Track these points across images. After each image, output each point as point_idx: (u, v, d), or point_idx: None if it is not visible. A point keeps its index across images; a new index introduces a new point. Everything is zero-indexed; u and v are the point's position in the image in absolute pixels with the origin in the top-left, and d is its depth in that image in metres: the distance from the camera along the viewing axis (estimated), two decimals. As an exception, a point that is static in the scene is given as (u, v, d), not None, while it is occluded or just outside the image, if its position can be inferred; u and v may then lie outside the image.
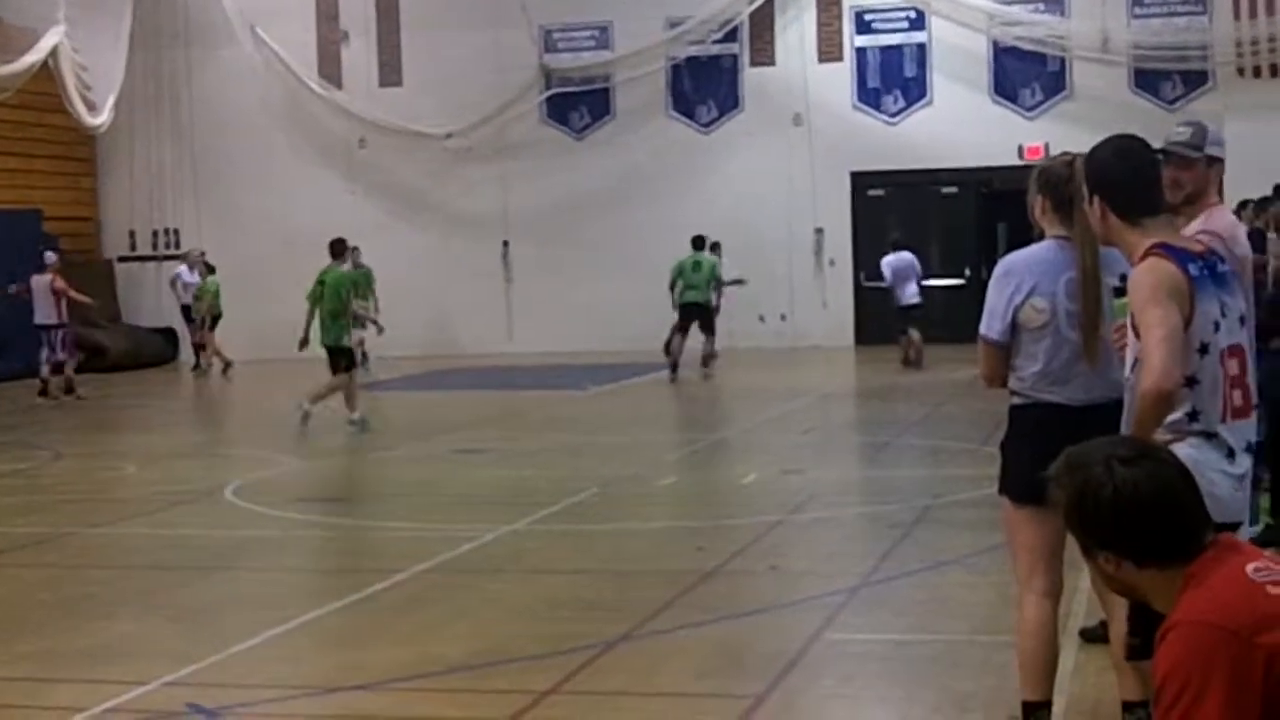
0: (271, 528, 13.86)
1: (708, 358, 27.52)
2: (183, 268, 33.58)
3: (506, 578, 11.54)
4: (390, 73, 35.55)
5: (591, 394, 25.34)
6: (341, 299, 21.23)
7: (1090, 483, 4.08)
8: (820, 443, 19.07)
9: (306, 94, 35.58)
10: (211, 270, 32.58)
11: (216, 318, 32.44)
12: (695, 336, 27.05)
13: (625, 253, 33.00)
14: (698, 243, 27.80)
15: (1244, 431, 5.62)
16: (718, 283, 27.89)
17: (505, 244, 34.88)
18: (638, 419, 22.21)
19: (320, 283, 21.59)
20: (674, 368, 26.77)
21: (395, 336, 31.77)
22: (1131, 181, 5.79)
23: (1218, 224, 7.06)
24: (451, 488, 16.01)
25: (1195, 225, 7.01)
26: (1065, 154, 6.83)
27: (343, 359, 21.11)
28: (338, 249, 22.35)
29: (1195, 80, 31.86)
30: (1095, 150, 5.95)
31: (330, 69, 35.81)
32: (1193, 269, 5.52)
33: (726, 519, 13.52)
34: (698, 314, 27.33)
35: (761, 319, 32.66)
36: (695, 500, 14.91)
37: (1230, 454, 5.49)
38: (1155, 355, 5.36)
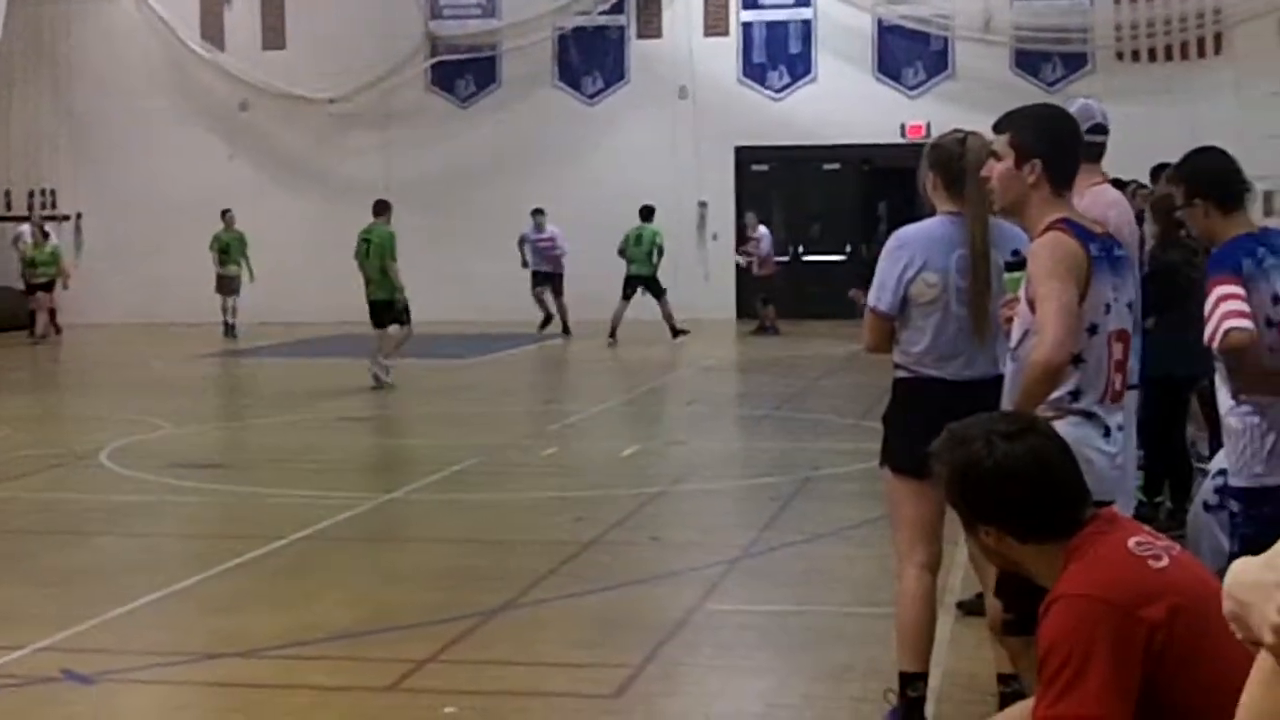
0: (148, 493, 13.72)
1: (672, 329, 28.32)
2: (25, 228, 32.73)
3: (386, 546, 11.51)
4: (274, 36, 35.23)
5: (473, 363, 25.29)
6: (384, 256, 21.59)
7: (971, 457, 4.14)
8: (701, 415, 19.13)
9: (188, 55, 35.21)
10: (46, 236, 31.82)
11: (50, 283, 31.50)
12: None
13: (509, 223, 32.87)
14: (645, 213, 29.00)
15: (1118, 413, 5.70)
16: (659, 252, 28.83)
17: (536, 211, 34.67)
18: (519, 389, 22.21)
19: (366, 240, 21.88)
20: (611, 333, 27.97)
21: (277, 303, 31.58)
22: (1070, 153, 5.78)
23: (1094, 209, 6.88)
24: (332, 455, 15.93)
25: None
26: (956, 131, 6.88)
27: (392, 313, 21.45)
28: (380, 208, 22.64)
29: (1075, 63, 32.21)
30: (1031, 118, 5.80)
31: (213, 30, 35.44)
32: (1093, 248, 5.55)
33: (607, 489, 13.54)
34: (638, 285, 28.58)
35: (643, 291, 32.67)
36: (576, 471, 14.92)
37: (1106, 432, 5.56)
38: (1049, 328, 5.40)
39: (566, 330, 29.15)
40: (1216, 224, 6.43)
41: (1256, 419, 6.21)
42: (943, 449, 4.26)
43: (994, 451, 4.10)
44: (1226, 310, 6.00)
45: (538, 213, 30.03)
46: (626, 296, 28.54)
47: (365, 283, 21.74)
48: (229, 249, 31.23)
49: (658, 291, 28.77)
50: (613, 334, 27.95)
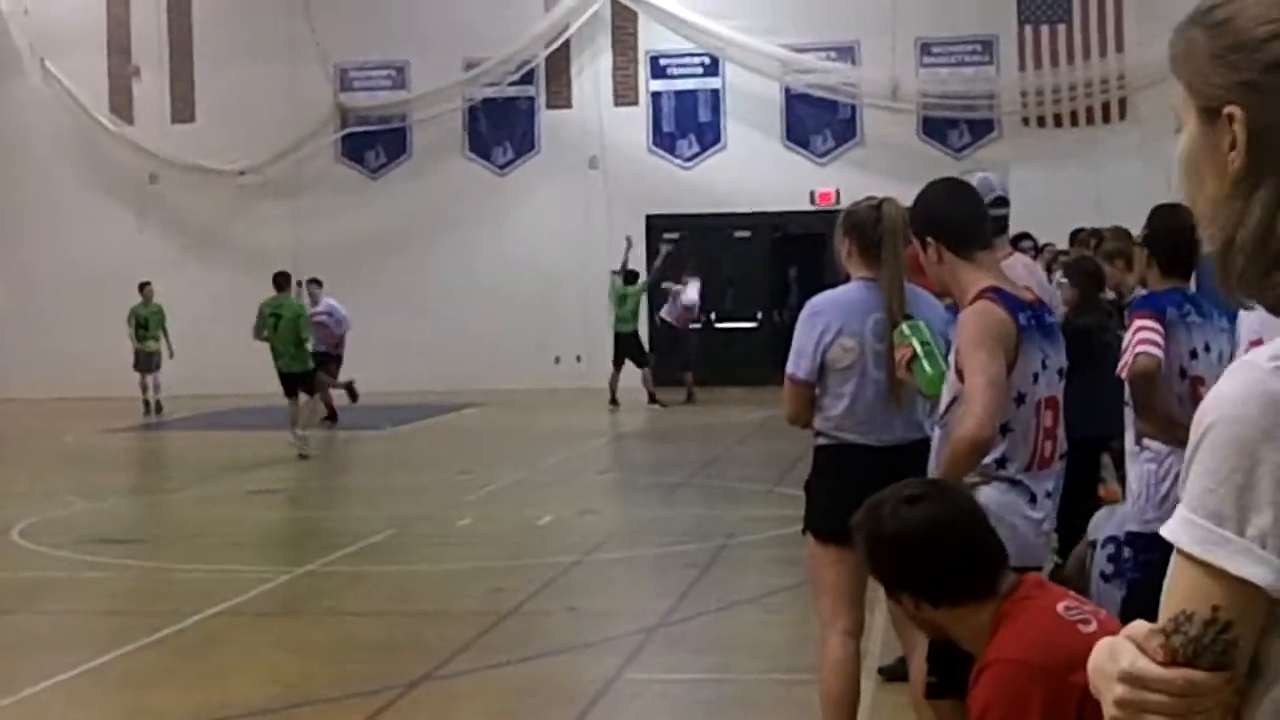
0: (60, 569, 13.58)
1: (650, 394, 28.53)
2: None
3: (302, 620, 11.44)
4: (183, 108, 35.11)
5: (388, 434, 25.20)
6: (300, 328, 21.88)
7: (876, 526, 4.18)
8: (616, 483, 19.14)
9: (97, 128, 35.03)
10: None
11: None
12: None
13: (422, 293, 32.89)
14: (628, 277, 29.54)
15: (1047, 480, 5.74)
16: (652, 293, 29.57)
17: (299, 283, 34.54)
18: (434, 459, 22.13)
19: (275, 315, 21.91)
20: (611, 399, 28.27)
21: (188, 375, 31.34)
22: (961, 216, 5.86)
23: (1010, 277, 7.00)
24: (246, 528, 15.83)
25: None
26: (870, 198, 6.95)
27: (309, 383, 21.69)
28: (284, 281, 22.85)
29: (982, 129, 32.55)
30: (920, 197, 6.01)
31: (122, 103, 35.29)
32: (1022, 318, 5.61)
33: (524, 559, 13.51)
34: (623, 344, 28.80)
35: (556, 360, 32.69)
36: (492, 541, 14.88)
37: (1033, 499, 5.60)
38: (977, 402, 5.45)
39: (332, 416, 26.60)
40: (1153, 276, 6.68)
41: (1154, 466, 6.34)
42: (859, 517, 4.30)
43: (894, 518, 4.14)
44: (1140, 339, 6.20)
45: (313, 283, 28.36)
46: (618, 363, 28.73)
47: (275, 355, 21.73)
48: (147, 324, 30.21)
49: (639, 357, 28.94)
50: (612, 400, 28.26)
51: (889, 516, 4.15)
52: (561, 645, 10.31)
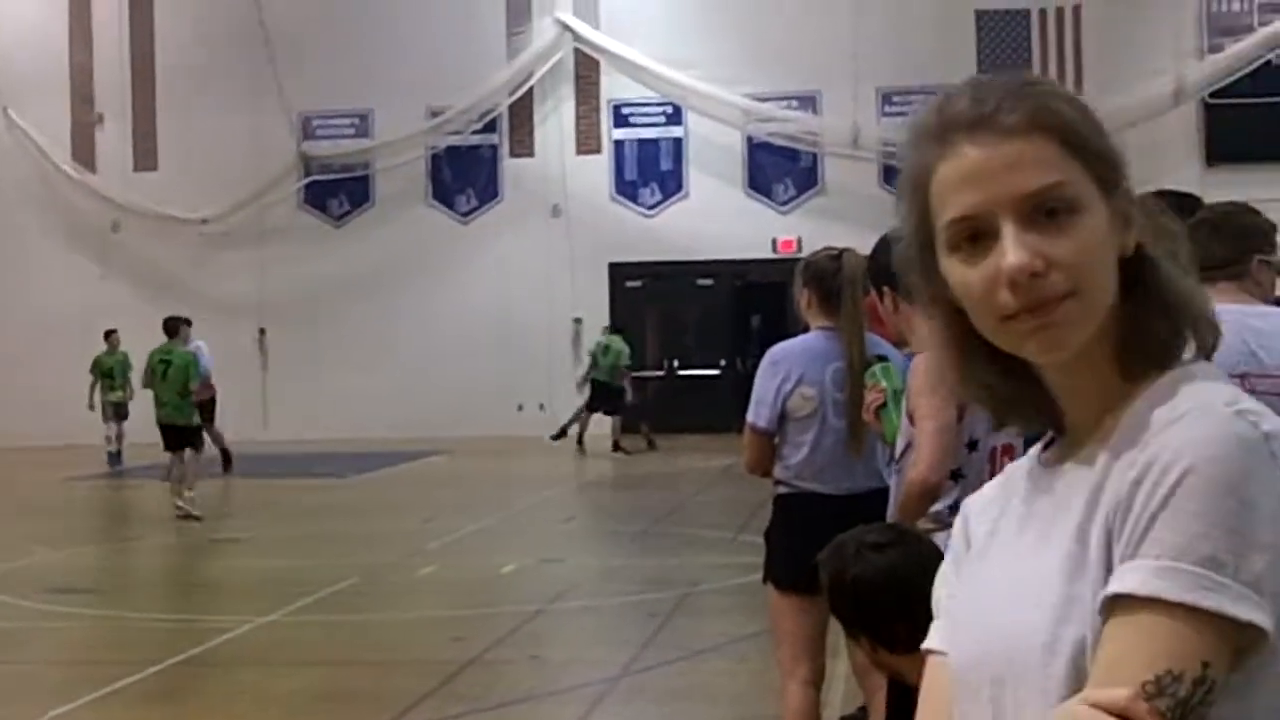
0: (20, 619, 13.52)
1: (614, 442, 28.94)
2: None
3: (263, 669, 11.40)
4: (146, 156, 35.13)
5: (350, 482, 25.16)
6: (189, 377, 21.20)
7: (839, 569, 4.21)
8: (579, 531, 19.14)
9: (59, 176, 35.01)
10: None
11: None
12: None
13: (385, 341, 32.92)
14: (612, 327, 30.21)
15: None
16: (627, 367, 29.56)
17: (262, 331, 34.57)
18: (397, 507, 22.08)
19: (165, 362, 21.30)
20: (578, 441, 28.89)
21: (149, 423, 31.23)
22: None
23: None
24: (206, 577, 15.78)
25: None
26: (829, 249, 7.00)
27: (192, 437, 20.96)
28: (174, 327, 22.27)
29: (943, 177, 32.71)
30: (879, 248, 6.04)
31: (84, 152, 35.29)
32: None
33: (486, 608, 13.50)
34: (605, 393, 29.15)
35: (520, 407, 32.71)
36: (455, 589, 14.86)
37: (989, 546, 5.63)
38: (926, 447, 5.50)
39: (228, 461, 26.38)
40: None
41: None
42: (823, 559, 4.34)
43: (859, 563, 4.18)
44: None
45: (184, 323, 26.09)
46: (591, 407, 29.06)
47: (157, 404, 21.20)
48: (113, 373, 29.10)
49: (612, 408, 29.20)
50: (580, 442, 28.65)
51: (853, 559, 4.18)
52: (524, 694, 10.31)
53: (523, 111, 33.98)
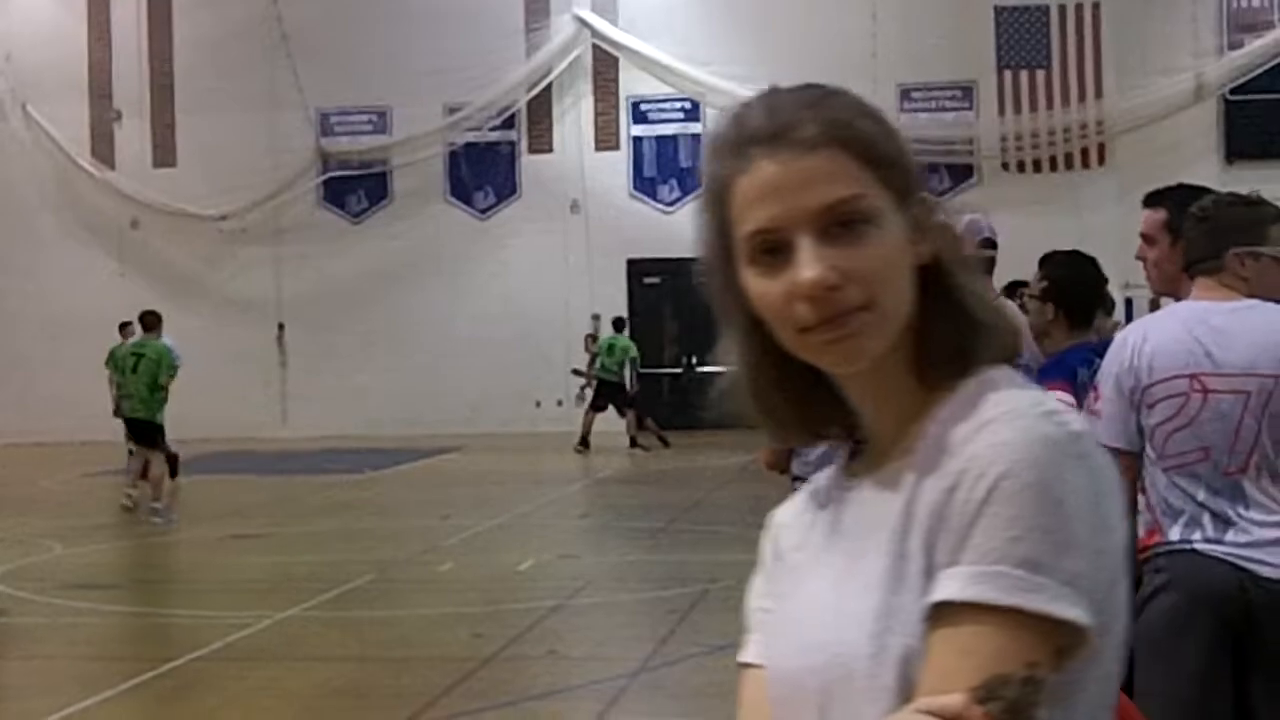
0: (38, 614, 13.54)
1: (631, 439, 28.91)
2: None
3: (281, 665, 11.41)
4: (164, 153, 35.18)
5: (367, 478, 25.18)
6: (160, 371, 20.87)
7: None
8: (597, 527, 19.13)
9: (77, 173, 35.07)
10: None
11: None
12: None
13: (403, 337, 32.93)
14: (617, 325, 30.14)
15: None
16: (631, 363, 29.47)
17: (280, 327, 34.61)
18: (414, 503, 22.10)
19: (137, 355, 21.01)
20: (582, 440, 28.53)
21: (168, 419, 31.27)
22: None
23: None
24: (225, 574, 15.79)
25: None
26: None
27: (157, 435, 20.62)
28: (152, 321, 21.83)
29: (961, 174, 32.69)
30: None
31: (103, 148, 35.35)
32: None
33: (504, 604, 13.49)
34: (610, 391, 29.07)
35: (538, 404, 32.72)
36: (472, 585, 14.86)
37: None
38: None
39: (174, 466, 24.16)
40: (1058, 330, 6.52)
41: None
42: None
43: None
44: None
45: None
46: (597, 407, 28.92)
47: (123, 398, 20.92)
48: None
49: (627, 401, 29.22)
50: (583, 441, 28.40)
51: None
52: (543, 690, 10.30)
53: (541, 108, 33.98)
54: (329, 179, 34.73)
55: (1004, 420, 1.84)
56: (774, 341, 1.96)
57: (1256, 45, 31.83)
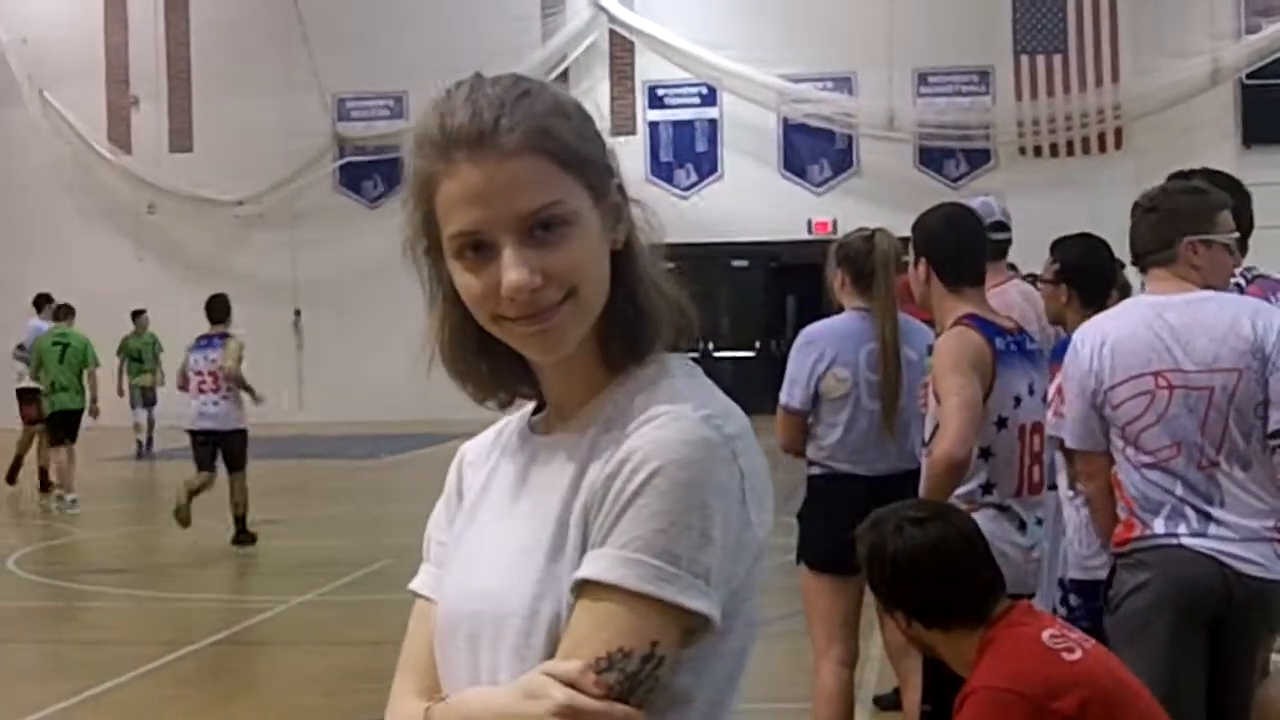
0: (57, 598, 13.59)
1: None
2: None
3: (299, 649, 11.44)
4: (181, 138, 35.20)
5: (384, 463, 25.20)
6: (86, 360, 20.57)
7: (879, 542, 4.20)
8: (613, 513, 19.10)
9: (95, 158, 35.11)
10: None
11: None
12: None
13: (420, 323, 32.84)
14: None
15: (1037, 507, 5.74)
16: None
17: (297, 312, 34.64)
18: (431, 488, 21.94)
19: (61, 344, 20.55)
20: None
21: (185, 404, 31.32)
22: (960, 251, 5.85)
23: (1007, 308, 6.78)
24: (242, 558, 15.82)
25: None
26: (863, 229, 6.97)
27: (75, 425, 20.28)
28: (65, 310, 21.68)
29: (978, 158, 32.64)
30: (927, 216, 5.99)
31: (120, 133, 35.38)
32: (999, 343, 5.63)
33: (521, 589, 13.47)
34: None
35: (554, 389, 32.76)
36: (489, 570, 14.83)
37: (1022, 526, 5.60)
38: (950, 423, 5.48)
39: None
40: (1072, 313, 6.51)
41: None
42: (862, 533, 4.32)
43: (899, 537, 4.16)
44: None
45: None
46: None
47: (52, 390, 20.24)
48: (141, 356, 27.85)
49: None
50: None
51: (893, 534, 4.18)
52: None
53: (557, 93, 33.93)
54: (345, 164, 34.74)
55: (668, 419, 1.99)
56: (474, 319, 2.11)
57: (1274, 28, 31.70)
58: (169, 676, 10.44)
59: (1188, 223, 5.36)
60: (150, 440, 27.64)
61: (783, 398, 6.83)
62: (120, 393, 27.30)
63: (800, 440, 6.84)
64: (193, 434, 16.39)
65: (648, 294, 2.14)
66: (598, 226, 2.08)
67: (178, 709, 9.50)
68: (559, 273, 2.02)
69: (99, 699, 9.86)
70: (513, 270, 2.01)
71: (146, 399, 27.81)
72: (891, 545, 4.16)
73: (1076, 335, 5.58)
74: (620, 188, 2.15)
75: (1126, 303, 5.72)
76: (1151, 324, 5.26)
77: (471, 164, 2.03)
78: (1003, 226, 7.85)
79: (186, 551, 16.46)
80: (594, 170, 2.10)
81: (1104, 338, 5.32)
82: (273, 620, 12.28)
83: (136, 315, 28.46)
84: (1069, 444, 5.46)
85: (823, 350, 6.77)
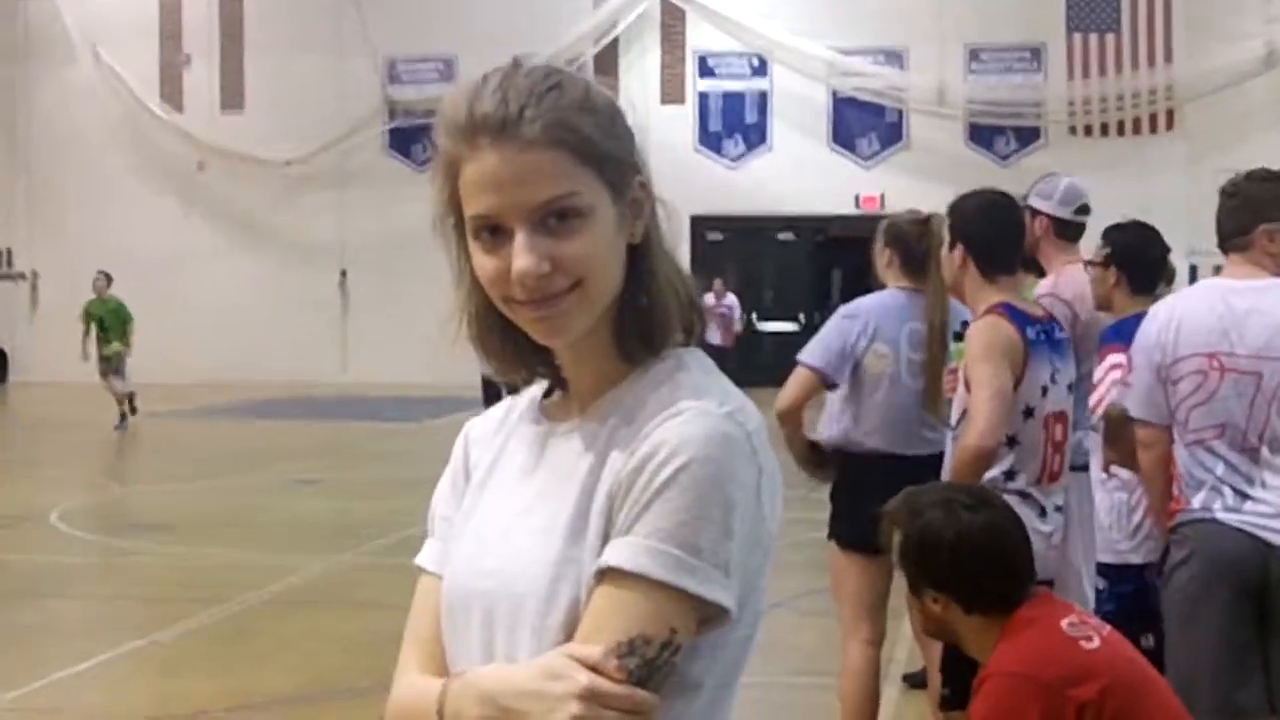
0: (96, 554, 13.68)
1: None
2: None
3: (335, 610, 11.49)
4: (232, 97, 35.30)
5: (428, 426, 25.26)
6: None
7: (933, 524, 4.17)
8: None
9: (146, 116, 35.24)
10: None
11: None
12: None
13: (462, 288, 32.99)
14: None
15: (1056, 494, 5.75)
16: None
17: (343, 274, 34.73)
18: (471, 454, 22.14)
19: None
20: None
21: (229, 362, 31.51)
22: (998, 239, 5.84)
23: (1066, 289, 6.81)
24: (282, 518, 15.89)
25: (1044, 285, 6.88)
26: (915, 211, 6.94)
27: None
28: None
29: (1028, 136, 32.49)
30: (965, 202, 5.96)
31: (171, 91, 35.50)
32: (1030, 332, 5.63)
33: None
34: None
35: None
36: (526, 537, 14.87)
37: (1042, 512, 5.62)
38: (980, 413, 5.48)
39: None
40: (1121, 297, 6.50)
41: (1124, 495, 6.24)
42: (899, 514, 4.30)
43: (957, 520, 4.15)
44: (1115, 378, 6.06)
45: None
46: None
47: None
48: (104, 323, 25.43)
49: None
50: None
51: (945, 517, 4.16)
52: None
53: (608, 61, 33.86)
54: (395, 127, 34.77)
55: (694, 414, 2.06)
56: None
57: (1331, 14, 31.47)
58: (205, 634, 10.51)
59: (1265, 211, 5.41)
60: (131, 406, 25.15)
61: (806, 356, 6.74)
62: (85, 358, 25.61)
63: (802, 402, 6.74)
64: None
65: (661, 289, 2.19)
66: (613, 221, 2.14)
67: (213, 666, 9.56)
68: (568, 262, 2.08)
69: (136, 653, 9.94)
70: (522, 256, 2.07)
71: (113, 368, 25.28)
72: (950, 529, 4.15)
73: (1152, 309, 5.65)
74: (644, 184, 2.22)
75: (1202, 283, 5.79)
76: (1215, 306, 5.33)
77: (493, 150, 2.08)
78: (1086, 209, 7.79)
79: (226, 510, 16.55)
80: (614, 166, 2.17)
81: (1174, 314, 5.43)
82: (310, 581, 12.34)
83: (97, 279, 26.28)
84: (1133, 413, 5.50)
85: (865, 323, 6.73)
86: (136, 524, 15.23)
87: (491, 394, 22.49)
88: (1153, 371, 5.41)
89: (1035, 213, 6.95)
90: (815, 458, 6.85)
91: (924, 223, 6.75)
